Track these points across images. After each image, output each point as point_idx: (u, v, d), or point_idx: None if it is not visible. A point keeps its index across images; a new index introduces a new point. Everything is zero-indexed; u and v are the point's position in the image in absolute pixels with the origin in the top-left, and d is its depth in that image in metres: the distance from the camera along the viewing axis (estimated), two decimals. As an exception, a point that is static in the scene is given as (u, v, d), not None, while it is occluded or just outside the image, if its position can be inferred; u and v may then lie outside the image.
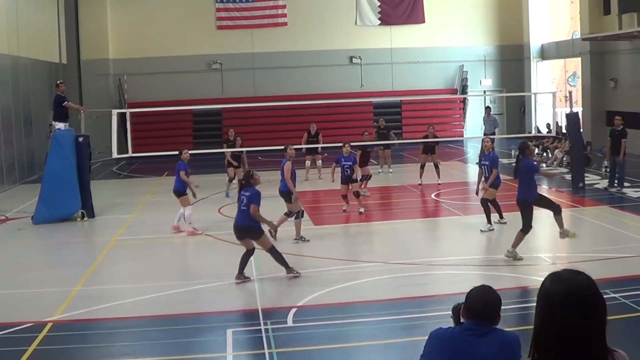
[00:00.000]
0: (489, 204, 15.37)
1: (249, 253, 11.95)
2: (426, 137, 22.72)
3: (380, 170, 24.84)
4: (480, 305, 4.01)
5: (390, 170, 25.03)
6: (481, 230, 15.06)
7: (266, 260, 13.36)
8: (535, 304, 2.90)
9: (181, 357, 8.98)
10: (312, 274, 12.38)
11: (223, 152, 21.66)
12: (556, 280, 2.83)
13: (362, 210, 17.35)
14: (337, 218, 17.07)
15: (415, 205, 19.35)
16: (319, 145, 22.99)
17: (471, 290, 4.11)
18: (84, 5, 33.84)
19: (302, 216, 14.94)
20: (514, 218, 16.83)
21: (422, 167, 22.15)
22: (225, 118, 34.44)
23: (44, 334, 9.47)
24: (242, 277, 11.81)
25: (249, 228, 11.79)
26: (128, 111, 22.01)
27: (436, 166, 22.17)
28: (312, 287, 11.43)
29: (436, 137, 22.84)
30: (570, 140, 21.40)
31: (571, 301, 2.74)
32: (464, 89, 35.81)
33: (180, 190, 15.88)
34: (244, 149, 21.49)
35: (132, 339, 9.56)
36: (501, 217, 15.74)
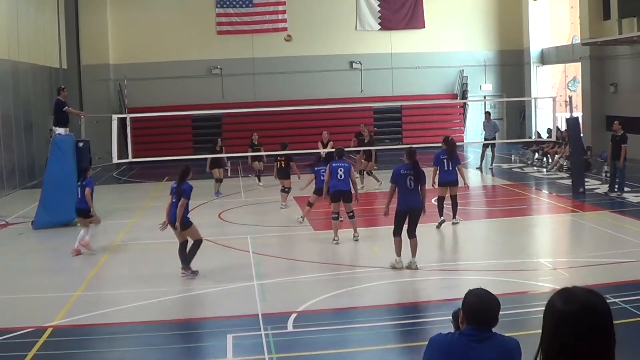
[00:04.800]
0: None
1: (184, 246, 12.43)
2: (361, 139, 23.38)
3: (357, 175, 25.07)
4: (481, 310, 4.00)
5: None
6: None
7: (267, 265, 13.38)
8: (536, 310, 2.86)
9: (181, 362, 8.99)
10: (312, 279, 12.38)
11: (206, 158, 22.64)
12: (569, 299, 2.77)
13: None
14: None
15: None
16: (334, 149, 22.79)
17: (468, 294, 4.10)
18: (84, 10, 33.88)
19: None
20: (506, 224, 16.92)
21: (361, 172, 22.40)
22: (226, 123, 34.46)
23: (44, 339, 9.46)
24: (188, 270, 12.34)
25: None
26: (128, 116, 21.99)
27: (369, 173, 22.50)
28: (313, 292, 11.42)
29: (372, 139, 23.24)
30: (570, 145, 21.40)
31: (588, 321, 2.71)
32: (464, 94, 35.82)
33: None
34: (226, 155, 22.68)
35: (132, 344, 9.56)
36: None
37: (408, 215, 12.43)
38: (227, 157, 23.10)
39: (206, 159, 22.38)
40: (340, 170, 14.83)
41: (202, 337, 9.86)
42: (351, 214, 15.02)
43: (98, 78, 33.71)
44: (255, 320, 10.04)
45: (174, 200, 12.29)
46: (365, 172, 22.59)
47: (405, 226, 12.53)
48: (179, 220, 12.21)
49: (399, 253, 12.40)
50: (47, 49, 29.82)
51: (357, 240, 14.95)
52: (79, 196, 14.83)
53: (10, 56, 24.94)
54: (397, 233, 12.47)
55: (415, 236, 12.44)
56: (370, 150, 22.51)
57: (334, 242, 14.74)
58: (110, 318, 10.51)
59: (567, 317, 2.70)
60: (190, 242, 12.55)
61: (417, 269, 12.29)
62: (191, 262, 12.39)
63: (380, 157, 25.03)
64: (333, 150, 16.66)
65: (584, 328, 2.68)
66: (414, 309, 10.53)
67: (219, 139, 22.86)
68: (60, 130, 18.44)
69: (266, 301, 11.02)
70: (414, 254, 12.42)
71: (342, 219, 15.87)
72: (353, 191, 14.87)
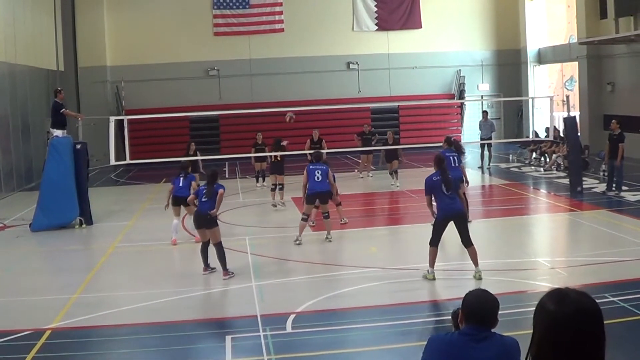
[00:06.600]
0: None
1: (206, 245, 12.73)
2: (365, 137, 24.53)
3: (361, 176, 25.16)
4: (478, 310, 4.01)
5: (370, 175, 25.20)
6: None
7: (266, 266, 13.38)
8: (534, 315, 2.85)
9: (180, 364, 8.98)
10: (311, 280, 12.38)
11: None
12: (563, 301, 2.77)
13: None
14: (335, 224, 17.00)
15: (412, 211, 19.32)
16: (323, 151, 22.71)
17: (468, 294, 4.11)
18: (81, 12, 33.87)
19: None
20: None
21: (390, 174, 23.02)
22: (223, 124, 34.48)
23: (43, 341, 9.45)
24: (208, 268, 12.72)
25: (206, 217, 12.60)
26: (125, 118, 21.97)
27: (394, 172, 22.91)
28: (311, 293, 11.43)
29: (395, 140, 24.27)
30: (568, 144, 21.42)
31: (582, 323, 2.71)
32: (461, 94, 35.86)
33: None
34: (200, 157, 22.16)
35: (131, 346, 9.55)
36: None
37: (453, 222, 11.62)
38: (202, 160, 22.85)
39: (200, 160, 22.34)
40: (318, 172, 15.21)
41: (201, 338, 9.85)
42: (326, 214, 15.29)
43: (95, 80, 33.71)
44: (254, 321, 10.04)
45: (203, 200, 12.63)
46: (390, 172, 22.96)
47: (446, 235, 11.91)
48: (217, 209, 12.64)
49: (431, 264, 11.68)
50: (44, 51, 29.80)
51: (329, 241, 15.06)
52: (181, 185, 15.56)
53: (7, 58, 24.92)
54: (433, 243, 11.67)
55: (471, 244, 11.60)
56: (395, 152, 22.78)
57: (296, 242, 14.92)
58: (108, 320, 10.50)
59: (561, 320, 2.71)
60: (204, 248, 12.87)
61: (480, 278, 11.44)
62: (227, 264, 12.54)
63: (378, 157, 25.05)
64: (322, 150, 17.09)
65: (578, 330, 2.69)
66: (412, 309, 10.52)
67: (192, 143, 22.66)
68: (57, 133, 18.43)
69: (265, 302, 11.02)
70: (475, 263, 11.60)
71: (314, 223, 16.41)
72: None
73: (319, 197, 15.20)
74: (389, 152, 23.08)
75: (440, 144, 16.70)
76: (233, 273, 12.48)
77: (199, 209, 12.72)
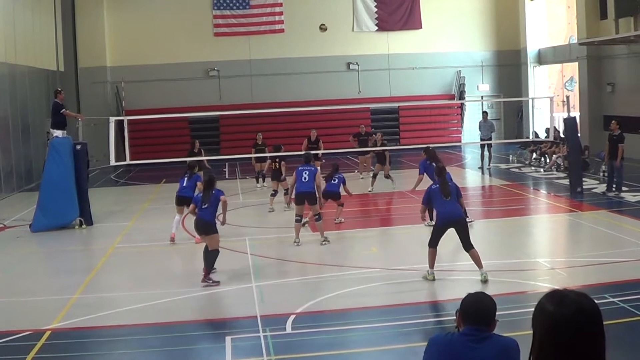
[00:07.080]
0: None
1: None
2: (362, 139, 24.27)
3: (362, 177, 25.06)
4: (475, 311, 4.04)
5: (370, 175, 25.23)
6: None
7: (266, 266, 13.39)
8: (533, 317, 2.85)
9: (180, 364, 8.98)
10: (311, 281, 12.38)
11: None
12: (563, 302, 2.77)
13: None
14: (330, 223, 16.99)
15: (412, 211, 19.31)
16: (320, 152, 22.67)
17: (466, 296, 4.14)
18: (81, 13, 33.88)
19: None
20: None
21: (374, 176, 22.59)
22: (223, 125, 34.48)
23: (42, 342, 9.45)
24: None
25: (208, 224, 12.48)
26: (125, 119, 21.98)
27: (387, 177, 22.62)
28: (311, 293, 11.43)
29: (383, 143, 23.42)
30: (568, 145, 21.42)
31: (582, 324, 2.71)
32: (461, 95, 35.86)
33: None
34: (205, 158, 21.98)
35: (130, 346, 9.54)
36: None
37: (454, 228, 11.65)
38: (208, 160, 22.78)
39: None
40: (305, 172, 15.20)
41: (200, 339, 9.85)
42: (317, 217, 15.16)
43: (95, 80, 33.72)
44: (254, 322, 10.03)
45: (204, 207, 12.43)
46: (384, 176, 22.63)
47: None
48: (224, 216, 12.88)
49: (431, 265, 11.75)
50: (44, 52, 29.80)
51: (324, 244, 14.93)
52: (184, 185, 15.72)
53: (7, 59, 24.92)
54: (431, 244, 11.75)
55: (472, 247, 11.60)
56: (384, 154, 22.59)
57: (295, 244, 14.91)
58: (108, 321, 10.50)
59: (560, 320, 2.71)
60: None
61: (486, 281, 11.38)
62: (211, 270, 12.39)
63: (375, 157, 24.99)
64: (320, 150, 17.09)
65: (578, 331, 2.69)
66: (412, 310, 10.52)
67: (197, 141, 22.63)
68: (57, 133, 18.44)
69: (265, 303, 11.01)
70: (479, 265, 11.56)
71: (308, 224, 16.32)
72: (318, 195, 15.26)
73: (305, 197, 15.13)
74: (380, 156, 22.83)
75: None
76: (218, 282, 12.17)
77: (199, 215, 12.58)
